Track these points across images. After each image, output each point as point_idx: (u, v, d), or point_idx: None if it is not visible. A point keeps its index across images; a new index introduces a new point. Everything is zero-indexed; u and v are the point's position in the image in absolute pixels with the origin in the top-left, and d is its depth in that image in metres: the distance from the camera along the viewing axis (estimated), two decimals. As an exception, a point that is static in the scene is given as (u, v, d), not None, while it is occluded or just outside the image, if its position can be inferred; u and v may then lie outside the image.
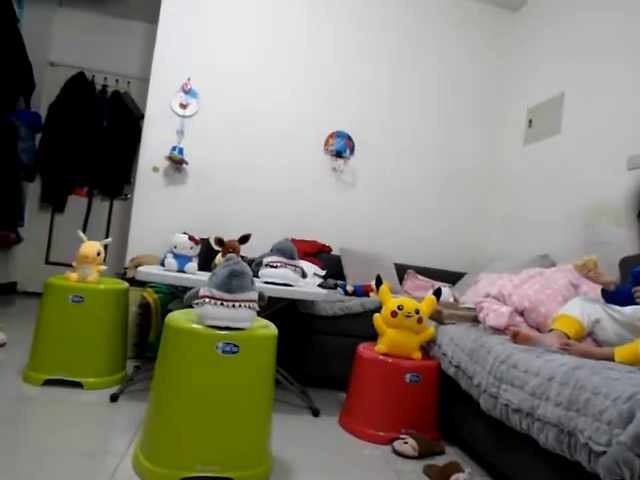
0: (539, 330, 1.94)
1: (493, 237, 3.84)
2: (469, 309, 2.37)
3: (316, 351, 2.60)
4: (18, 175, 3.86)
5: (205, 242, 2.41)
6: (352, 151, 3.73)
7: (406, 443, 1.96)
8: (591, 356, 1.62)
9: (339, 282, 3.08)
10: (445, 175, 3.89)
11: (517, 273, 2.37)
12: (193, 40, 3.56)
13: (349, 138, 3.73)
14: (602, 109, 2.88)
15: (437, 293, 2.28)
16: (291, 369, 2.43)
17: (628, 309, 1.77)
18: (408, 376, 2.06)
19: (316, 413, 2.28)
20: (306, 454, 1.85)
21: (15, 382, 2.17)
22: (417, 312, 2.13)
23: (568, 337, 1.76)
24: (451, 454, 2.03)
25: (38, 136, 4.29)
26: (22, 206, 4.05)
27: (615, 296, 1.84)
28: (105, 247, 2.39)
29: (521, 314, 2.00)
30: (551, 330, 1.84)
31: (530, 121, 3.58)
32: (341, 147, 3.71)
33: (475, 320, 2.20)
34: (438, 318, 2.31)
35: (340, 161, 3.70)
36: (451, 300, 2.88)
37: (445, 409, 2.17)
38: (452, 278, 3.51)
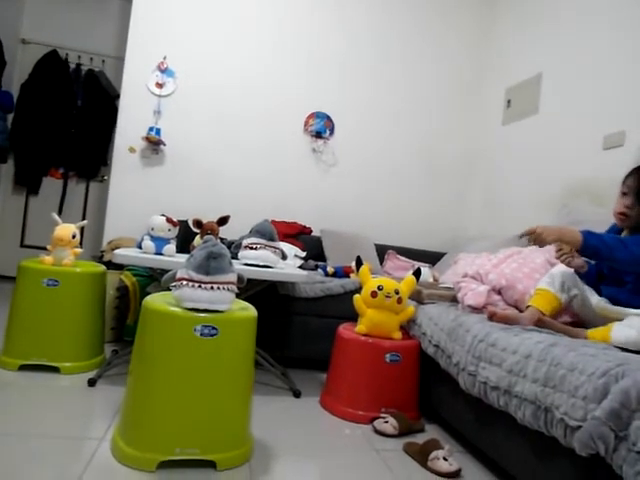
0: (517, 308, 1.96)
1: (473, 217, 3.87)
2: (448, 289, 2.39)
3: (296, 332, 2.60)
4: (-11, 156, 3.74)
5: (183, 224, 2.37)
6: (332, 132, 3.70)
7: (386, 422, 1.98)
8: (565, 334, 1.65)
9: (319, 263, 3.07)
10: (425, 156, 3.88)
11: (495, 253, 2.39)
12: (169, 18, 3.45)
13: (329, 118, 3.69)
14: (579, 89, 2.90)
15: (417, 273, 2.29)
16: (271, 351, 2.43)
17: (594, 299, 1.80)
18: (388, 356, 2.08)
19: (297, 394, 2.29)
20: (287, 435, 1.86)
21: (-11, 368, 2.12)
22: (397, 292, 2.14)
23: (543, 314, 1.78)
24: (431, 432, 2.06)
25: (10, 117, 4.15)
26: (-6, 188, 3.93)
27: (586, 277, 1.86)
28: (81, 230, 2.33)
29: (499, 292, 2.02)
30: (528, 307, 1.86)
31: (509, 101, 3.58)
32: (321, 128, 3.67)
33: (454, 300, 2.21)
34: (418, 298, 2.32)
35: (320, 142, 3.66)
36: (431, 280, 2.90)
37: (425, 388, 2.20)
38: (432, 258, 3.53)
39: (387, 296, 2.11)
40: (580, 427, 1.20)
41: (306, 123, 3.65)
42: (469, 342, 1.78)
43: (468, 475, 1.72)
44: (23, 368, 2.13)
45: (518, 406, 1.45)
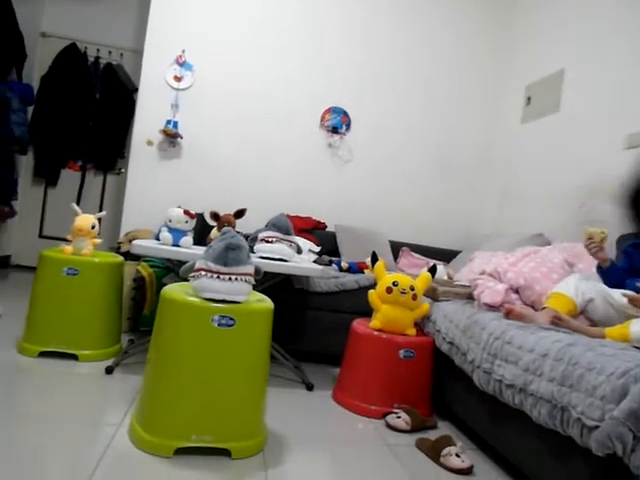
0: (534, 308, 1.95)
1: (489, 216, 3.84)
2: (464, 286, 2.38)
3: (310, 327, 2.61)
4: (11, 148, 3.80)
5: (200, 217, 2.39)
6: (348, 127, 3.69)
7: (399, 417, 1.98)
8: (583, 333, 1.63)
9: (334, 259, 3.08)
10: (442, 153, 3.86)
11: (512, 251, 2.38)
12: (188, 11, 3.47)
13: (345, 114, 3.69)
14: (602, 87, 2.85)
15: (432, 270, 2.28)
16: (285, 344, 2.44)
17: (619, 295, 1.78)
18: (402, 352, 2.08)
19: (310, 387, 2.30)
20: (300, 427, 1.87)
21: (10, 354, 2.17)
22: (412, 289, 2.14)
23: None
24: (443, 429, 2.07)
25: (30, 109, 4.21)
26: (15, 180, 3.99)
27: (608, 273, 1.85)
28: (99, 220, 2.36)
29: (516, 292, 2.01)
30: (544, 308, 1.86)
31: (528, 99, 3.54)
32: (337, 123, 3.67)
33: (470, 297, 2.21)
34: (433, 295, 2.32)
35: (336, 137, 3.66)
36: (446, 278, 2.89)
37: (438, 385, 2.20)
38: (447, 256, 3.51)
39: (402, 292, 2.11)
40: (597, 427, 1.19)
41: (322, 118, 3.65)
42: (485, 340, 1.77)
43: (480, 472, 1.72)
44: (43, 355, 2.17)
45: (533, 405, 1.45)
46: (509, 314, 1.82)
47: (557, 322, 1.72)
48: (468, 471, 1.68)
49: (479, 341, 1.81)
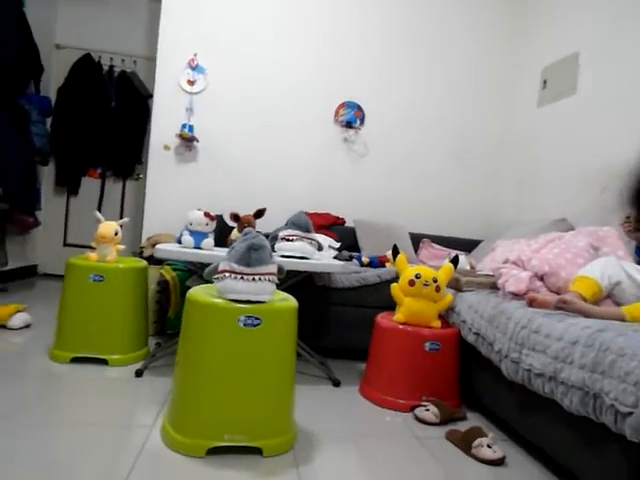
0: (559, 294, 1.92)
1: (508, 203, 3.79)
2: (487, 276, 2.36)
3: (333, 323, 2.62)
4: (33, 159, 3.88)
5: (219, 218, 2.41)
6: (362, 121, 3.68)
7: (427, 410, 1.98)
8: (592, 315, 1.60)
9: (354, 254, 3.08)
10: (457, 141, 3.82)
11: (534, 238, 2.35)
12: (198, 14, 3.49)
13: (359, 108, 3.67)
14: (619, 68, 2.79)
15: (454, 261, 2.27)
16: (309, 341, 2.45)
17: None
18: (428, 344, 2.07)
19: (336, 383, 2.31)
20: (329, 423, 1.88)
21: (43, 360, 2.22)
22: (435, 280, 2.13)
23: (585, 299, 1.74)
24: (472, 420, 2.06)
25: (49, 120, 4.29)
26: (38, 190, 4.08)
27: None
28: (121, 227, 2.40)
29: (541, 279, 1.98)
30: (568, 293, 1.83)
31: (544, 82, 3.48)
32: (351, 117, 3.65)
33: (494, 287, 2.19)
34: (456, 286, 2.30)
35: (351, 131, 3.65)
36: (468, 268, 2.86)
37: (465, 376, 2.19)
38: (468, 246, 3.48)
39: (425, 284, 2.10)
40: (631, 413, 1.17)
41: (336, 113, 3.64)
42: (511, 329, 1.76)
43: (512, 463, 1.71)
44: (74, 361, 2.22)
45: (565, 393, 1.43)
46: (532, 303, 1.80)
47: (561, 305, 1.69)
48: (500, 462, 1.67)
49: (505, 331, 1.79)
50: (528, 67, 3.69)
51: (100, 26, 4.55)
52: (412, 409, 2.03)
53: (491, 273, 2.29)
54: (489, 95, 3.85)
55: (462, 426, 1.90)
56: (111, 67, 4.53)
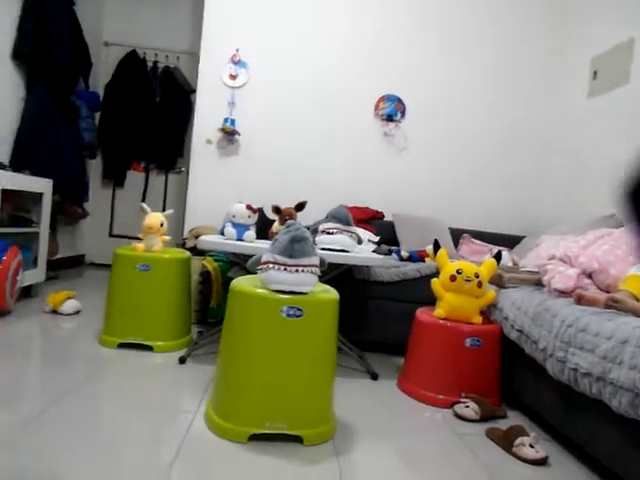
0: (609, 292, 1.86)
1: (554, 198, 3.67)
2: (531, 272, 2.30)
3: (372, 316, 2.62)
4: (82, 153, 4.04)
5: (259, 211, 2.45)
6: (403, 114, 3.64)
7: (467, 407, 1.96)
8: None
9: (393, 248, 3.06)
10: (501, 134, 3.73)
11: (582, 234, 2.27)
12: (240, 9, 3.53)
13: (399, 101, 3.64)
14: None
15: (497, 257, 2.23)
16: (348, 334, 2.46)
17: None
18: (468, 340, 2.05)
19: (375, 377, 2.31)
20: (367, 416, 1.89)
21: (92, 345, 2.32)
22: (477, 276, 2.10)
23: (637, 299, 1.68)
24: (513, 418, 2.02)
25: (97, 115, 4.45)
26: (87, 182, 4.25)
27: None
28: (167, 218, 2.47)
29: (589, 276, 1.92)
30: (619, 291, 1.76)
31: (595, 72, 3.34)
32: (392, 110, 3.62)
33: (538, 283, 2.14)
34: (498, 282, 2.26)
35: (391, 125, 3.62)
36: (510, 264, 2.80)
37: (506, 373, 2.15)
38: (510, 242, 3.40)
39: (467, 280, 2.07)
40: (686, 416, 1.13)
41: (377, 107, 3.62)
42: (557, 327, 1.72)
43: (555, 463, 1.67)
44: (121, 346, 2.31)
45: (613, 394, 1.39)
46: (580, 300, 1.75)
47: (611, 304, 1.63)
48: (543, 462, 1.64)
49: (551, 329, 1.75)
50: (577, 57, 3.54)
51: (145, 23, 4.68)
52: (451, 405, 2.01)
53: (535, 269, 2.24)
54: (536, 87, 3.74)
55: (503, 424, 1.87)
56: (155, 63, 4.65)
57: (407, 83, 3.64)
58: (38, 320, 2.65)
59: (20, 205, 3.07)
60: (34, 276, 3.11)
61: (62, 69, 3.54)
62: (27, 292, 3.10)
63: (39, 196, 3.16)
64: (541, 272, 2.07)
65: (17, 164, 3.25)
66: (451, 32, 3.67)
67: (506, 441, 1.73)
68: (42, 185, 3.15)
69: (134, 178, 4.74)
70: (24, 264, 2.82)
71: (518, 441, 1.69)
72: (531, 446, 1.67)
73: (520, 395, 2.07)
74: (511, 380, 2.13)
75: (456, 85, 3.68)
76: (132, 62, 4.57)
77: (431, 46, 3.66)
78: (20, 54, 3.32)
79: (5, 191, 2.72)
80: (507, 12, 3.69)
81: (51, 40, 3.40)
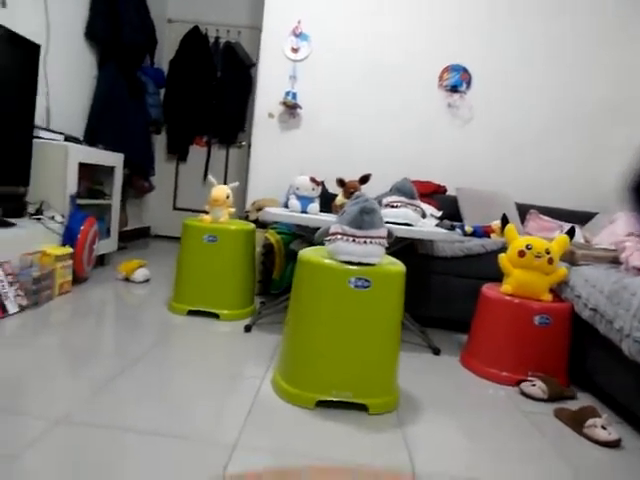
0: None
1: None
2: (605, 250, 2.19)
3: (434, 292, 2.59)
4: (149, 128, 4.18)
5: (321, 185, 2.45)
6: (469, 85, 3.51)
7: (534, 385, 1.91)
8: None
9: (455, 223, 2.99)
10: (571, 106, 3.51)
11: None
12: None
13: (465, 71, 3.50)
14: None
15: (570, 233, 2.13)
16: (409, 309, 2.44)
17: None
18: (537, 318, 1.99)
19: (437, 352, 2.30)
20: (430, 390, 1.89)
21: (162, 312, 2.44)
22: (547, 252, 2.02)
23: None
24: (582, 400, 1.96)
25: (162, 91, 4.58)
26: (153, 157, 4.41)
27: None
28: (232, 191, 2.52)
29: (673, 254, 1.80)
30: None
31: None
32: (456, 81, 3.50)
33: (614, 261, 2.03)
34: (571, 259, 2.17)
35: (456, 96, 3.50)
36: (582, 241, 2.68)
37: (576, 353, 2.08)
38: (580, 218, 3.24)
39: (537, 256, 2.00)
40: None
41: (440, 77, 3.50)
42: (635, 306, 1.63)
43: (629, 446, 1.61)
44: (190, 313, 2.41)
45: (700, 377, 1.31)
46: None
47: None
48: (616, 444, 1.59)
49: (629, 307, 1.66)
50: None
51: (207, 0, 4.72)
52: (517, 383, 1.97)
53: (611, 247, 2.13)
54: (604, 58, 3.46)
55: (571, 405, 1.82)
56: (217, 38, 4.70)
57: (474, 53, 3.48)
58: (112, 287, 2.82)
59: (94, 178, 3.24)
60: (107, 246, 3.29)
61: (132, 48, 3.65)
62: (101, 260, 3.29)
63: (111, 170, 3.31)
64: (618, 249, 1.97)
65: (90, 139, 3.41)
66: (520, 5, 3.45)
67: (576, 422, 1.68)
68: (114, 159, 3.30)
69: (196, 153, 4.86)
70: (99, 234, 2.98)
71: (590, 422, 1.64)
72: (603, 428, 1.61)
73: (591, 376, 2.00)
74: (581, 360, 2.06)
75: (525, 57, 3.48)
76: (195, 38, 4.64)
77: (499, 16, 3.46)
78: (93, 34, 3.45)
79: (81, 165, 2.87)
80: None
81: (121, 20, 3.51)
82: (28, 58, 2.51)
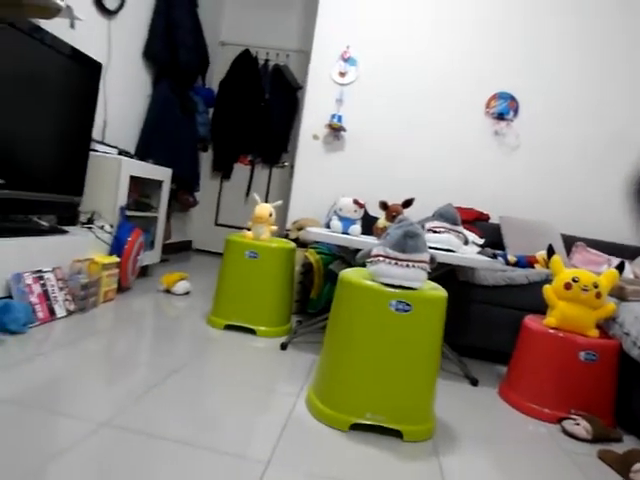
0: None
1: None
2: (658, 287, 2.10)
3: (474, 321, 2.54)
4: (196, 146, 4.33)
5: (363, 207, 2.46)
6: (516, 113, 3.47)
7: (578, 424, 1.83)
8: None
9: (498, 252, 2.94)
10: (619, 135, 3.41)
11: None
12: (352, 8, 3.57)
13: (512, 99, 3.47)
14: None
15: (620, 267, 2.05)
16: (447, 337, 2.40)
17: None
18: (583, 354, 1.91)
19: (474, 382, 2.24)
20: (466, 421, 1.84)
21: (201, 324, 2.49)
22: (595, 286, 1.95)
23: None
24: (628, 443, 1.86)
25: (211, 111, 4.74)
26: (199, 173, 4.54)
27: None
28: (275, 209, 2.57)
29: None
30: None
31: None
32: (504, 109, 3.47)
33: (667, 299, 1.94)
34: (620, 294, 2.09)
35: (502, 124, 3.47)
36: (631, 277, 2.58)
37: (623, 394, 1.98)
38: (630, 253, 3.12)
39: (584, 289, 1.94)
40: None
41: (488, 105, 3.49)
42: (691, 347, 1.55)
43: (681, 497, 1.51)
44: (227, 328, 2.45)
45: None
46: None
47: None
48: (665, 493, 1.50)
49: (683, 349, 1.58)
50: None
51: (258, 23, 4.90)
52: (559, 421, 1.90)
53: (664, 284, 2.04)
54: None
55: (617, 448, 1.73)
56: (266, 61, 4.86)
57: (522, 81, 3.46)
58: (153, 298, 2.89)
59: (142, 191, 3.36)
60: (151, 257, 3.39)
61: (186, 68, 3.81)
62: (144, 271, 3.39)
63: (159, 184, 3.43)
64: (673, 287, 1.88)
65: (141, 154, 3.55)
66: (574, 31, 3.42)
67: (623, 465, 1.60)
68: (163, 173, 3.42)
69: (240, 171, 4.99)
70: (144, 245, 3.08)
71: (637, 466, 1.55)
72: (653, 474, 1.53)
73: (639, 418, 1.90)
74: (628, 401, 1.96)
75: (574, 86, 3.43)
76: (245, 61, 4.81)
77: (547, 45, 3.44)
78: (151, 54, 3.63)
79: (132, 178, 2.99)
80: (624, 11, 3.36)
81: (177, 41, 3.68)
82: (90, 75, 2.66)
